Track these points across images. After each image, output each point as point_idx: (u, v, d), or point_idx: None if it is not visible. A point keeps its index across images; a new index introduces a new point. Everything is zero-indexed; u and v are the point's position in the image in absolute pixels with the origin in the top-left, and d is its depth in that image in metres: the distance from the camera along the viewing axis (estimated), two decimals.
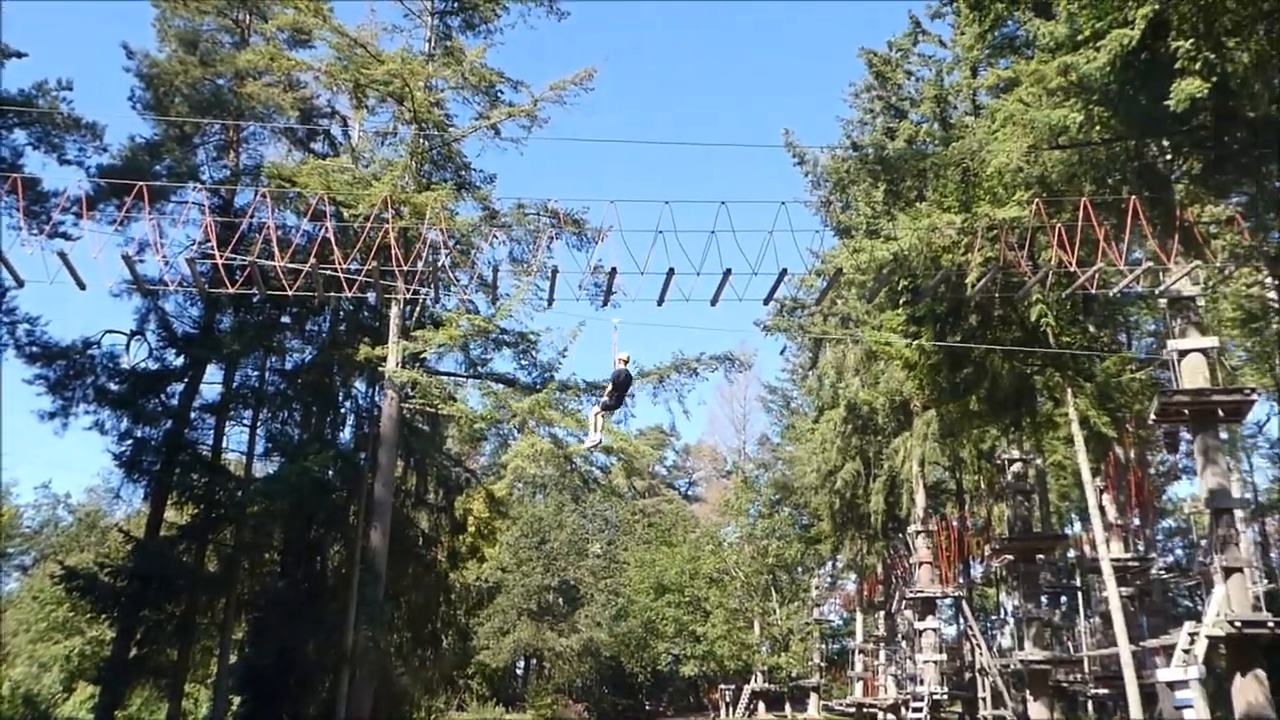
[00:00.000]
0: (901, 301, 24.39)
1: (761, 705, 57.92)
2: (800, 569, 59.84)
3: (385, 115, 31.92)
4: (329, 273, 17.19)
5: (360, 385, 34.03)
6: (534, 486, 63.30)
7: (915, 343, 25.31)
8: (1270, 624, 22.71)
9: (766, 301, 16.39)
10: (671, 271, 15.01)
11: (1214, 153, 18.85)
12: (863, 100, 33.35)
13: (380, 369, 29.11)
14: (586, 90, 29.42)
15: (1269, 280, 26.89)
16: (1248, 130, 17.73)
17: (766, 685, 57.49)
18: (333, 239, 16.55)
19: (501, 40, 32.81)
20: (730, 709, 58.65)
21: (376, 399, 31.94)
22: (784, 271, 15.20)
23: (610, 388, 17.03)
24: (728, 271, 15.01)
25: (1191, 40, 15.18)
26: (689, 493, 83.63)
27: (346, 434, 34.44)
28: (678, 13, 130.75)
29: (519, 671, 67.06)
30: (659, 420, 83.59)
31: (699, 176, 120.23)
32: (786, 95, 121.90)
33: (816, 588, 61.75)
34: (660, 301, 15.57)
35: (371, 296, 27.15)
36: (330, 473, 30.78)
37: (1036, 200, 18.08)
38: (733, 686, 58.53)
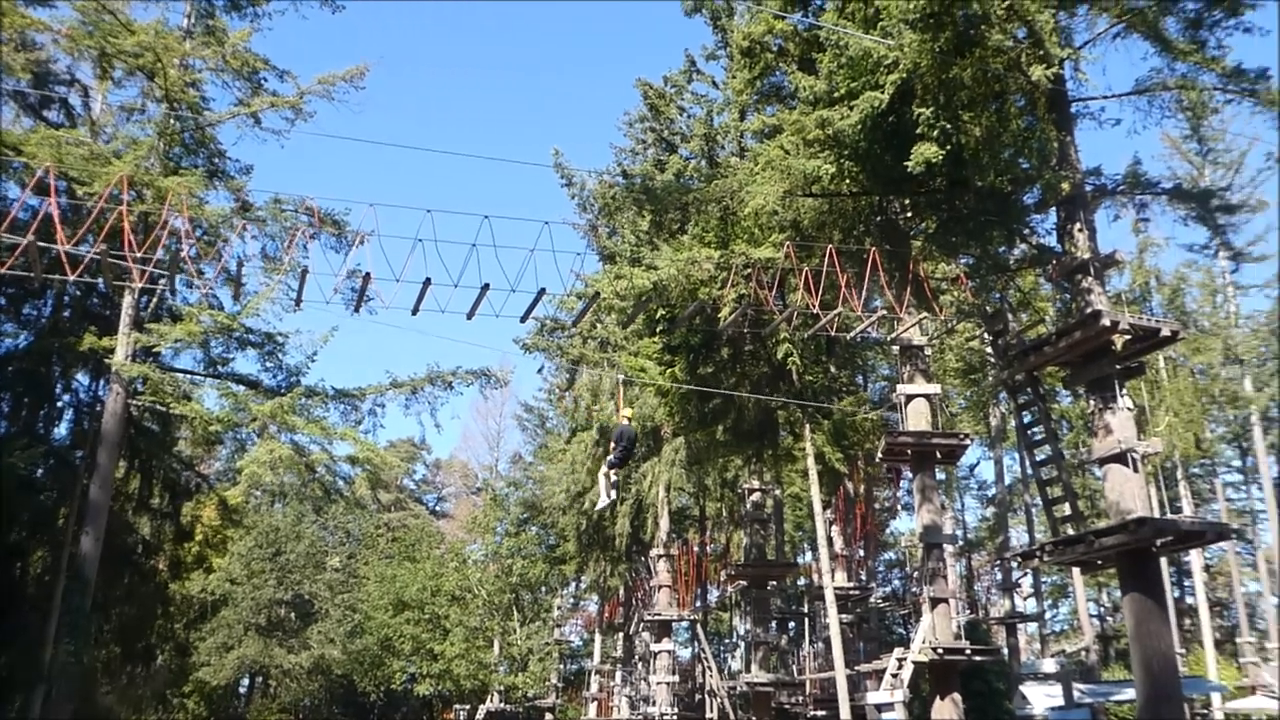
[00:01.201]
0: (658, 330, 24.99)
1: None
2: (544, 589, 59.93)
3: (133, 90, 29.70)
4: (53, 251, 15.76)
5: (83, 378, 31.35)
6: (273, 495, 60.35)
7: (669, 371, 26.03)
8: (968, 651, 24.69)
9: (523, 319, 16.39)
10: (428, 281, 14.72)
11: (946, 215, 20.42)
12: (636, 130, 34.05)
13: (107, 361, 26.89)
14: (357, 88, 28.49)
15: (986, 336, 29.30)
16: (975, 197, 19.31)
17: (502, 705, 57.07)
18: (56, 216, 15.12)
19: (270, 26, 31.39)
20: None
21: (100, 393, 29.51)
22: (542, 291, 15.25)
23: (614, 445, 17.37)
24: (486, 286, 14.88)
25: (932, 109, 16.40)
26: (437, 508, 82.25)
27: (63, 429, 31.60)
28: (463, 20, 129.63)
29: (242, 690, 63.48)
30: (410, 432, 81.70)
31: (465, 188, 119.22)
32: (560, 116, 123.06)
33: (559, 608, 62.00)
34: (415, 311, 15.25)
35: (101, 283, 25.06)
36: (40, 471, 28.12)
37: (788, 243, 18.97)
38: (468, 707, 57.73)
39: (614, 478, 19.01)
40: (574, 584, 60.86)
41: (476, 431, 73.41)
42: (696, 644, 45.53)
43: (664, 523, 40.63)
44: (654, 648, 41.04)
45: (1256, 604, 66.13)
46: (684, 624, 45.56)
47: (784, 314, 18.35)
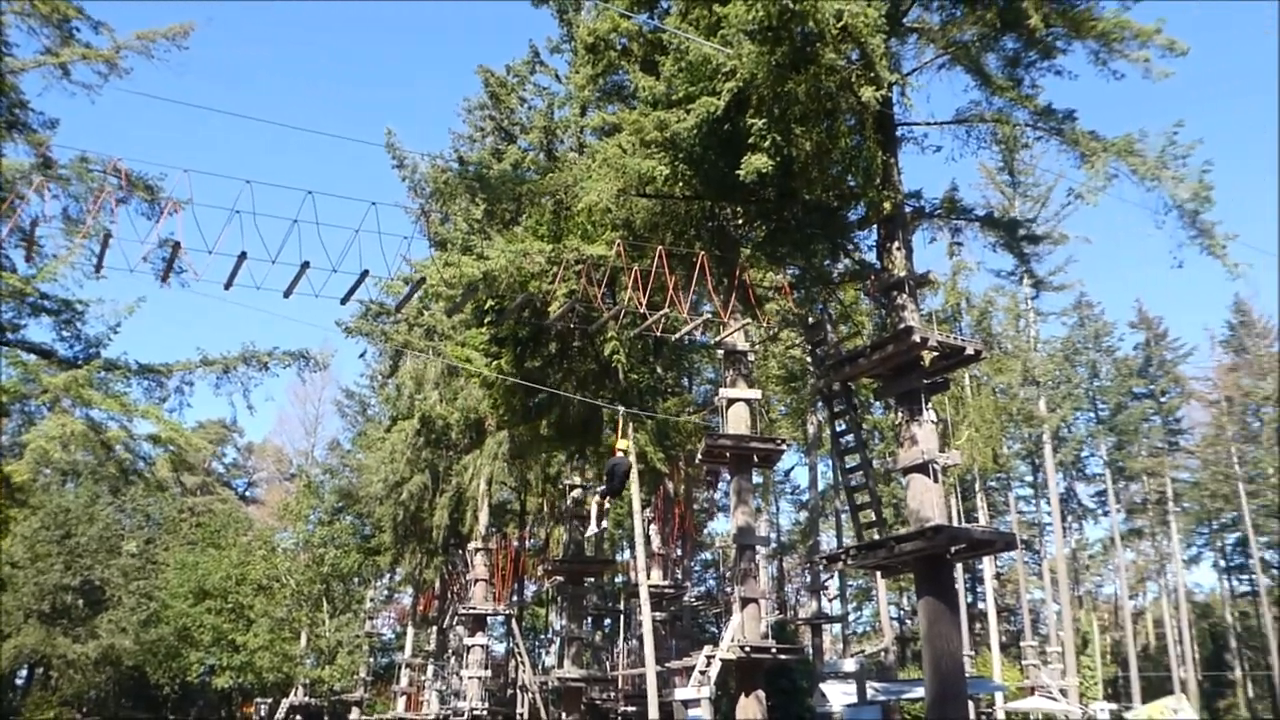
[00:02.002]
0: (486, 321, 24.68)
1: None
2: (357, 580, 58.40)
3: None
4: None
5: None
6: (64, 473, 56.57)
7: (495, 363, 25.73)
8: (774, 650, 25.43)
9: (344, 301, 15.85)
10: (244, 255, 14.04)
11: (774, 225, 20.93)
12: (475, 117, 33.59)
13: None
14: (180, 48, 26.84)
15: (806, 345, 30.22)
16: (803, 210, 19.88)
17: (307, 699, 55.28)
18: None
19: None
20: None
21: None
22: (365, 273, 14.78)
23: (607, 477, 17.65)
24: (305, 264, 14.32)
25: (766, 121, 16.76)
26: (247, 493, 78.99)
27: None
28: None
29: (19, 682, 59.27)
30: (221, 413, 77.78)
31: (288, 162, 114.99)
32: (397, 97, 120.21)
33: (371, 600, 60.56)
34: (228, 285, 14.52)
35: None
36: None
37: (620, 241, 19.05)
38: (270, 700, 55.64)
39: (606, 506, 19.99)
40: (388, 576, 59.59)
41: (293, 416, 70.89)
42: (511, 639, 45.26)
43: (484, 516, 40.23)
44: (468, 642, 40.58)
45: (1040, 610, 70.84)
46: (499, 619, 45.23)
47: (612, 312, 18.42)
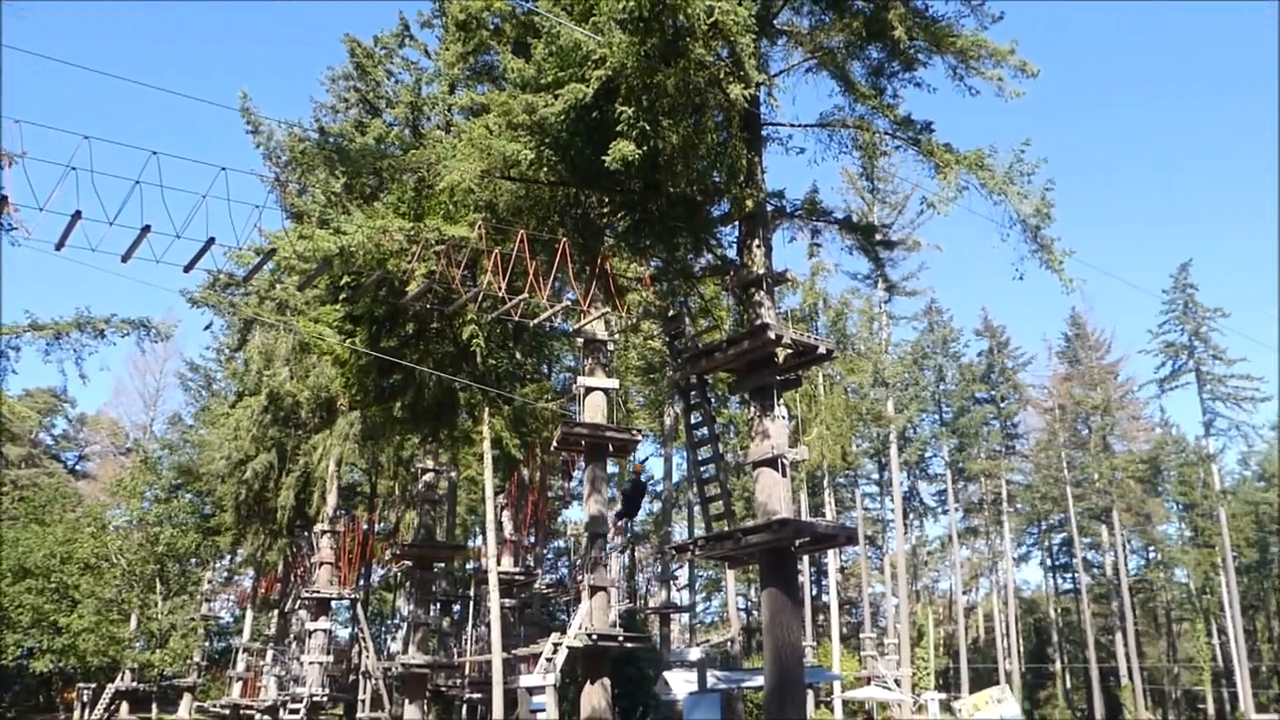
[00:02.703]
0: (341, 297, 24.01)
1: (125, 706, 53.11)
2: (194, 560, 56.14)
3: None
4: None
5: None
6: None
7: (349, 341, 25.05)
8: (621, 638, 25.57)
9: (188, 269, 15.09)
10: (78, 214, 13.23)
11: (639, 216, 20.95)
12: (339, 88, 32.57)
13: None
14: None
15: (665, 338, 30.49)
16: (667, 203, 19.95)
17: (135, 684, 52.86)
18: None
19: None
20: (88, 710, 52.97)
21: None
22: (211, 240, 14.14)
23: (625, 500, 15.95)
24: (146, 228, 13.59)
25: (634, 110, 16.73)
26: (77, 467, 74.95)
27: None
28: None
29: None
30: (51, 382, 73.20)
31: (132, 121, 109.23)
32: (256, 60, 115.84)
33: (210, 582, 58.30)
34: (59, 245, 13.66)
35: None
36: None
37: (481, 223, 18.79)
38: (94, 685, 52.96)
39: (621, 525, 20.56)
40: (229, 557, 57.47)
41: (131, 387, 67.46)
42: (356, 624, 44.29)
43: (332, 498, 39.20)
44: (310, 626, 39.51)
45: (880, 604, 73.53)
46: (344, 603, 44.17)
47: (471, 294, 18.13)
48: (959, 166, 20.14)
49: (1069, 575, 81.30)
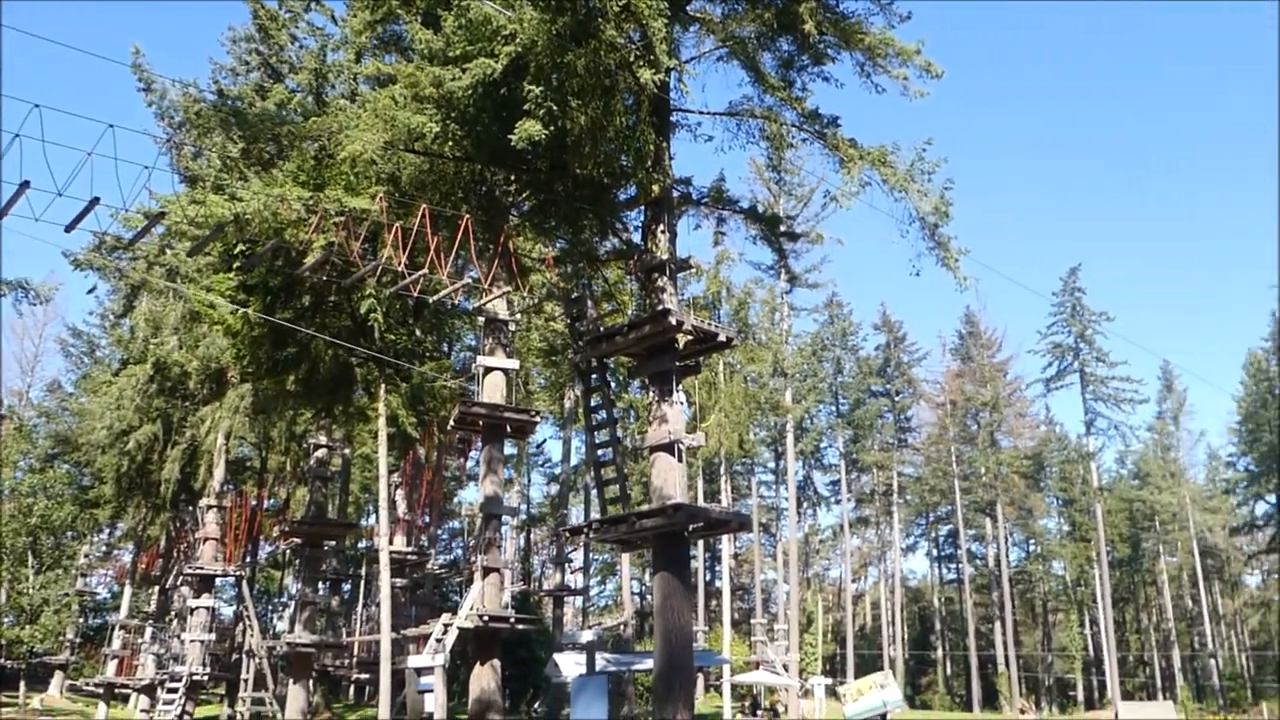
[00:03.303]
0: (235, 266, 23.29)
1: None
2: (70, 534, 54.00)
3: None
4: None
5: None
6: None
7: (242, 311, 24.34)
8: (512, 619, 25.49)
9: (69, 229, 14.44)
10: None
11: (544, 197, 20.81)
12: (240, 49, 31.50)
13: None
14: None
15: (567, 320, 30.38)
16: (574, 184, 19.84)
17: (2, 661, 50.69)
18: None
19: None
20: None
21: None
22: (95, 200, 13.54)
23: None
24: (25, 184, 12.96)
25: (542, 89, 16.57)
26: None
27: None
28: None
29: None
30: None
31: (13, 70, 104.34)
32: (150, 16, 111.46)
33: (86, 556, 56.15)
34: None
35: None
36: None
37: (381, 195, 18.44)
38: None
39: None
40: (107, 531, 55.42)
41: (7, 351, 64.59)
42: (240, 602, 43.22)
43: (219, 472, 38.10)
44: (192, 603, 38.38)
45: (772, 590, 74.75)
46: (229, 580, 43.03)
47: (369, 267, 17.77)
48: (863, 162, 20.47)
49: (953, 566, 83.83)
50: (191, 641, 37.35)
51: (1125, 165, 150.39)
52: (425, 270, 17.97)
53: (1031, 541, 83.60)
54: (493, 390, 25.64)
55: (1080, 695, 78.24)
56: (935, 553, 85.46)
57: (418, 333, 28.59)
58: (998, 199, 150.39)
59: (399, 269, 18.43)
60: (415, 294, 18.86)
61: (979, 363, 76.64)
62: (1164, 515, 78.47)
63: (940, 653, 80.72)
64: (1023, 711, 57.97)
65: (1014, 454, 74.84)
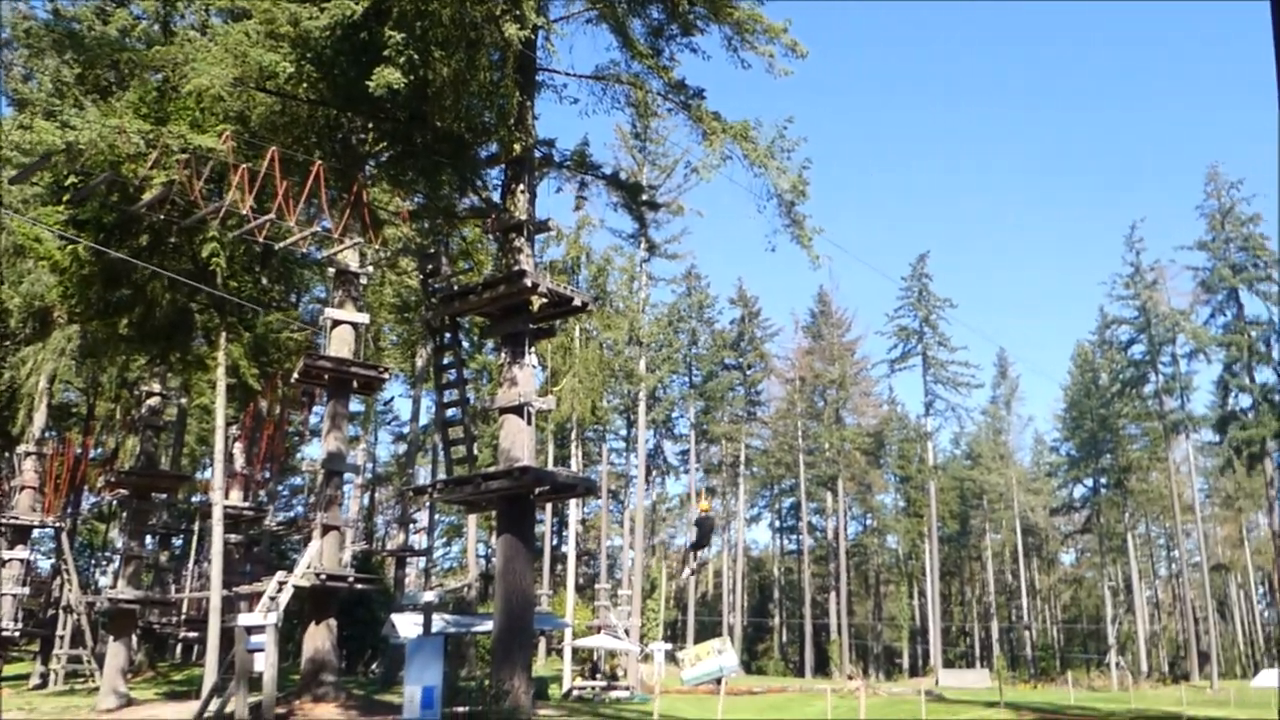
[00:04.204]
0: (65, 199, 21.90)
1: None
2: None
3: None
4: None
5: None
6: None
7: (71, 247, 22.94)
8: (351, 579, 25.00)
9: None
10: None
11: (402, 149, 20.28)
12: None
13: None
14: None
15: (421, 277, 29.82)
16: (433, 137, 19.41)
17: None
18: None
19: None
20: None
21: None
22: None
23: (696, 533, 20.56)
24: None
25: (404, 36, 16.09)
26: None
27: None
28: None
29: None
30: None
31: None
32: None
33: None
34: None
35: None
36: None
37: (228, 134, 17.62)
38: None
39: (692, 559, 27.54)
40: None
41: None
42: (59, 554, 41.04)
43: (40, 417, 35.94)
44: (5, 554, 36.22)
45: (618, 556, 75.59)
46: (48, 531, 40.78)
47: (212, 207, 16.97)
48: (725, 135, 20.68)
49: (794, 537, 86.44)
50: (3, 595, 35.31)
51: (974, 160, 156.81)
52: (273, 215, 17.30)
53: (869, 516, 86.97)
54: (340, 344, 24.96)
55: (906, 663, 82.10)
56: (778, 524, 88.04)
57: (264, 281, 27.52)
58: (855, 183, 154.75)
59: (245, 212, 17.70)
60: (261, 239, 18.14)
61: (829, 341, 78.89)
62: (992, 495, 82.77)
63: (777, 621, 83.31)
64: (850, 678, 60.39)
65: (857, 431, 77.53)
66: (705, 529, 22.46)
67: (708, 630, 69.16)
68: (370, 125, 20.50)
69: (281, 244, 18.80)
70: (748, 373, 79.41)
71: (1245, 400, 61.24)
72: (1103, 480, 76.34)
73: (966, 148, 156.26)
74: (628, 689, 40.02)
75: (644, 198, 29.07)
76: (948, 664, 71.71)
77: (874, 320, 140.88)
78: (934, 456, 77.32)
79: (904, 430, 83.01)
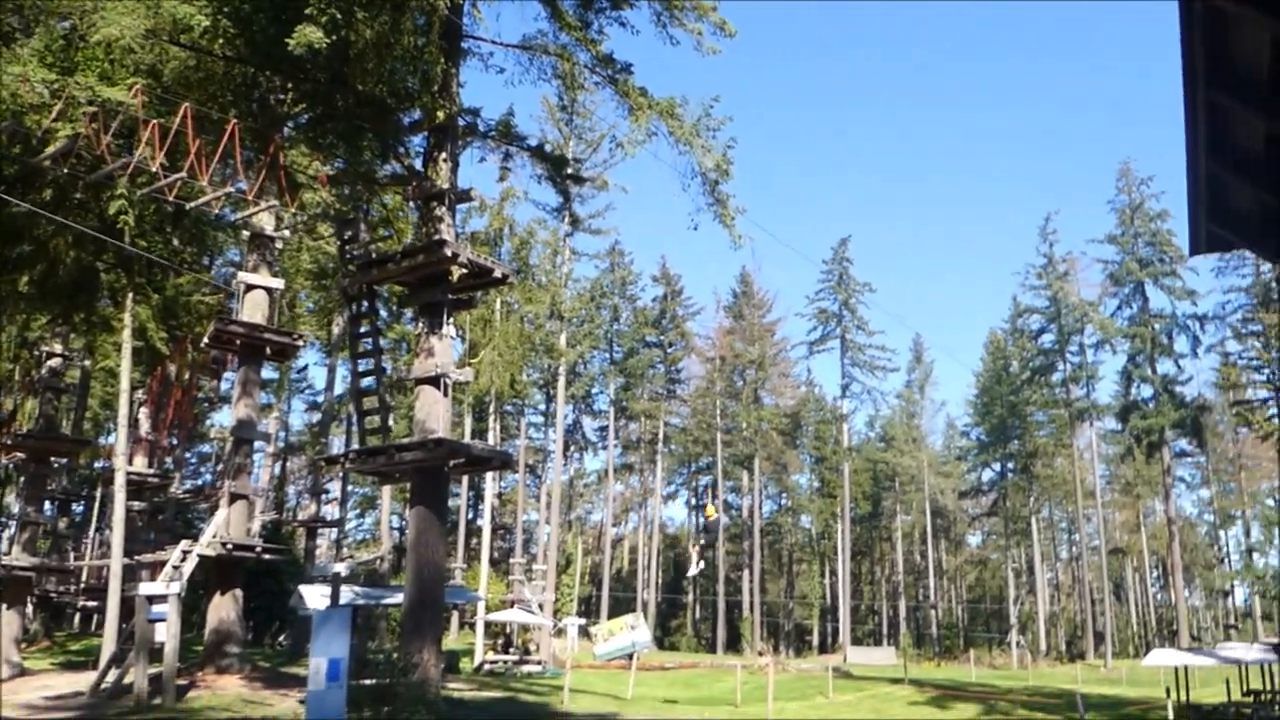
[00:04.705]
0: None
1: None
2: None
3: None
4: None
5: None
6: None
7: None
8: (258, 549, 24.54)
9: None
10: None
11: (323, 111, 19.79)
12: None
13: None
14: None
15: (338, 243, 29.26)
16: (355, 101, 18.96)
17: None
18: None
19: None
20: None
21: None
22: None
23: (705, 533, 26.16)
24: None
25: None
26: None
27: None
28: None
29: None
30: None
31: None
32: None
33: None
34: None
35: None
36: None
37: (138, 87, 17.02)
38: None
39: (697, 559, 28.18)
40: None
41: None
42: None
43: None
44: None
45: (534, 531, 75.50)
46: None
47: (120, 162, 16.37)
48: (651, 111, 20.60)
49: None
50: None
51: (897, 147, 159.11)
52: (185, 174, 16.77)
53: (784, 495, 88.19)
54: (254, 309, 24.37)
55: (816, 641, 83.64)
56: (694, 501, 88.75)
57: (175, 241, 26.74)
58: (779, 167, 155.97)
59: (155, 170, 17.13)
60: (172, 198, 17.57)
61: (750, 322, 79.54)
62: (903, 477, 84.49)
63: (691, 598, 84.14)
64: (761, 655, 61.35)
65: (775, 411, 78.45)
66: (713, 531, 24.48)
67: (622, 606, 69.54)
68: (289, 85, 19.98)
69: (193, 204, 18.24)
70: (668, 350, 79.74)
71: (1147, 391, 63.55)
72: (1010, 465, 78.48)
73: (891, 133, 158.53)
74: (540, 663, 40.07)
75: (569, 171, 28.87)
76: (856, 642, 73.30)
77: (795, 302, 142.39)
78: (849, 438, 78.64)
79: (820, 412, 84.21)
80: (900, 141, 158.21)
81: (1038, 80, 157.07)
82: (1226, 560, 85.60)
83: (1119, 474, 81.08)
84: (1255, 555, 73.18)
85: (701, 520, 28.26)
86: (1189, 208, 5.41)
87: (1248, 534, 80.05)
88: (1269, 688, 29.76)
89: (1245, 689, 29.60)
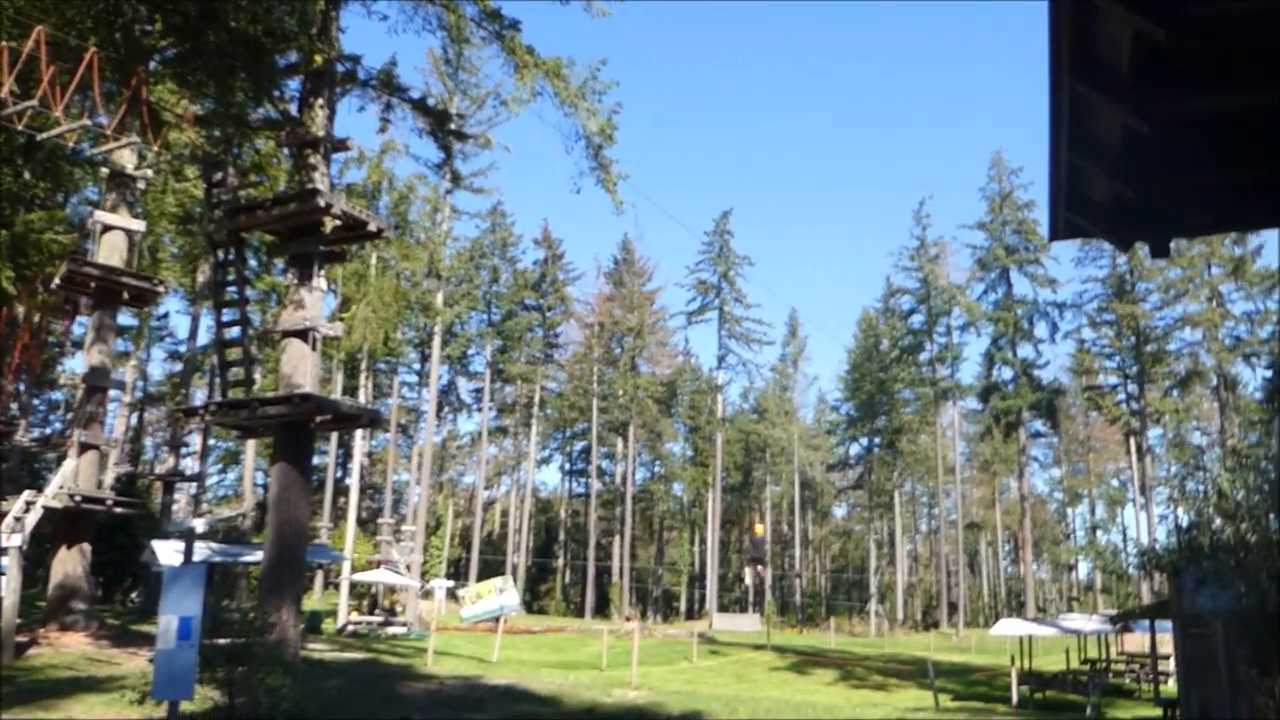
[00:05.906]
0: None
1: None
2: None
3: None
4: None
5: None
6: None
7: None
8: (109, 502, 23.52)
9: None
10: None
11: (192, 46, 18.89)
12: None
13: None
14: None
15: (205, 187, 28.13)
16: (229, 39, 18.13)
17: None
18: None
19: None
20: None
21: None
22: None
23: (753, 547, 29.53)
24: None
25: None
26: None
27: None
28: None
29: None
30: None
31: None
32: None
33: None
34: None
35: None
36: None
37: None
38: None
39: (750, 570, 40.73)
40: None
41: None
42: None
43: None
44: None
45: (404, 492, 74.53)
46: None
47: None
48: (537, 71, 20.33)
49: (583, 480, 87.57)
50: None
51: (782, 123, 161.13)
52: (36, 103, 15.75)
53: (657, 463, 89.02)
54: (111, 251, 23.16)
55: (683, 607, 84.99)
56: (568, 466, 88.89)
57: (26, 175, 25.24)
58: (664, 136, 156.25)
59: (3, 96, 16.05)
60: (21, 127, 16.48)
61: (630, 289, 79.72)
62: (774, 448, 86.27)
63: (561, 562, 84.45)
64: (628, 619, 62.06)
65: (651, 380, 79.02)
66: (760, 546, 28.23)
67: (492, 569, 69.34)
68: (156, 16, 18.99)
69: (45, 134, 17.17)
70: (547, 314, 79.40)
71: (1007, 373, 66.28)
72: (876, 440, 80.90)
73: (776, 109, 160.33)
74: (406, 625, 39.66)
75: (451, 127, 28.34)
76: (723, 608, 74.77)
77: (675, 272, 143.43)
78: (723, 409, 79.82)
79: (696, 382, 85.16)
80: (788, 119, 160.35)
81: (925, 64, 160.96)
82: (1072, 536, 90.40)
83: (978, 452, 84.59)
84: (1099, 532, 77.45)
85: (752, 538, 37.28)
86: (1050, 194, 5.56)
87: (1093, 512, 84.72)
88: (1104, 656, 31.66)
89: (1083, 657, 31.40)
